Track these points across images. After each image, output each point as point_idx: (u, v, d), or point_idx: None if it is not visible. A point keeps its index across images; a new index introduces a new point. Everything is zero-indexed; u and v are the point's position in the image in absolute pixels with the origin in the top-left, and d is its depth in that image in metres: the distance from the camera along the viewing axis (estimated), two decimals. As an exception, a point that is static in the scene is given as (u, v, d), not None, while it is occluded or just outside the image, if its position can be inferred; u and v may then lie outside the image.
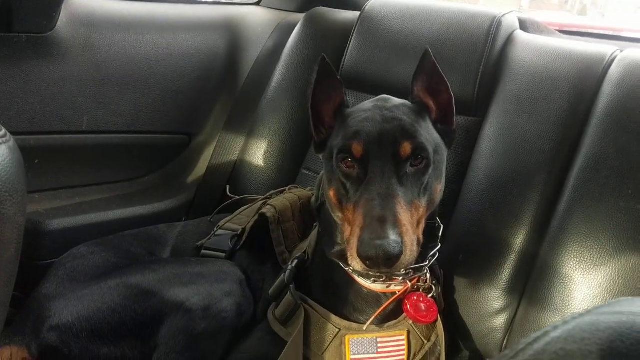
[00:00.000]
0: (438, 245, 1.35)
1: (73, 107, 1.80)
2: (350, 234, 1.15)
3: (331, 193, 1.26)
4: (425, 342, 1.34)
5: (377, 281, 1.30)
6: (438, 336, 1.35)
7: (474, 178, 1.58)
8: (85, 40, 1.81)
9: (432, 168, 1.23)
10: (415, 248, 1.15)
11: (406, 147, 1.19)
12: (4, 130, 0.82)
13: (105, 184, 1.97)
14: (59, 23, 1.73)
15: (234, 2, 2.49)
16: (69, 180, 1.88)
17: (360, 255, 1.09)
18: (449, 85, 1.30)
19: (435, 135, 1.29)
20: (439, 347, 1.36)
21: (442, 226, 1.38)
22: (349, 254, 1.15)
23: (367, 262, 1.09)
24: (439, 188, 1.28)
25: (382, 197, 1.13)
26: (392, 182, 1.16)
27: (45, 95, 1.74)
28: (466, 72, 1.67)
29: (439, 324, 1.35)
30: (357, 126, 1.23)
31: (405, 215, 1.14)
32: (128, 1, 2.04)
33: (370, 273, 1.26)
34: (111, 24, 1.90)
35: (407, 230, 1.12)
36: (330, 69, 1.31)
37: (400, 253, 1.09)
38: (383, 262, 1.08)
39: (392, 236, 1.08)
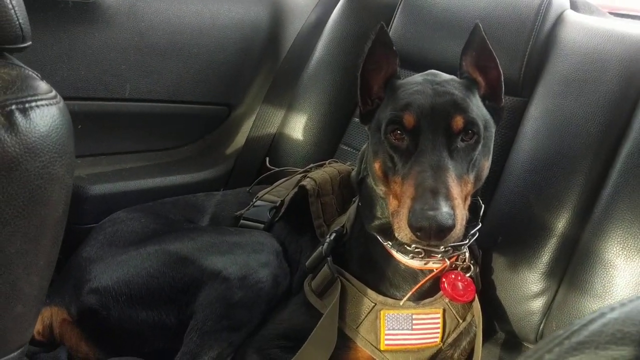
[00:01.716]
0: (479, 224, 1.34)
1: (116, 75, 1.82)
2: (399, 206, 1.14)
3: (376, 165, 1.25)
4: (461, 321, 1.34)
5: (415, 257, 1.29)
6: (474, 316, 1.35)
7: (517, 159, 1.55)
8: (130, 8, 1.82)
9: (481, 144, 1.22)
10: (464, 223, 1.14)
11: (458, 121, 1.18)
12: (54, 92, 0.83)
13: (146, 151, 1.99)
14: (104, -10, 1.74)
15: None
16: (110, 146, 1.91)
17: (411, 226, 1.08)
18: (498, 61, 1.28)
19: (485, 112, 1.28)
20: (474, 328, 1.35)
21: (482, 206, 1.36)
22: (396, 225, 1.15)
23: (418, 233, 1.08)
24: (486, 165, 1.26)
25: (434, 169, 1.12)
26: (443, 155, 1.15)
27: (89, 61, 1.75)
28: (513, 51, 1.63)
29: (476, 304, 1.34)
30: (409, 98, 1.22)
31: (456, 189, 1.13)
32: (173, -30, 2.04)
33: (408, 247, 1.26)
34: (156, -8, 1.90)
35: (458, 203, 1.12)
36: (388, 38, 1.29)
37: (453, 225, 1.08)
38: (435, 234, 1.07)
39: (445, 208, 1.07)
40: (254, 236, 1.48)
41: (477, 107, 1.25)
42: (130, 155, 1.95)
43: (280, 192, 1.64)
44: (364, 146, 1.43)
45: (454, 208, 1.09)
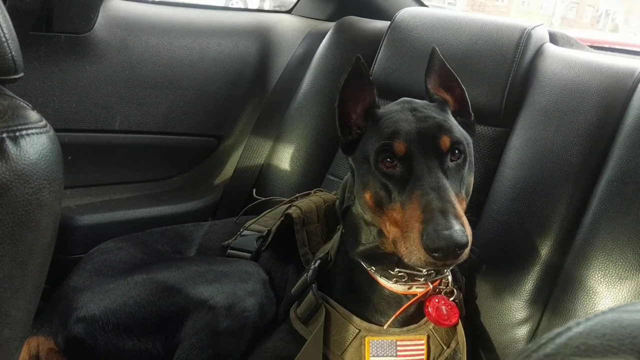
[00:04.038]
0: None
1: (107, 107, 1.85)
2: (406, 231, 1.14)
3: (367, 196, 1.25)
4: (445, 348, 1.34)
5: (398, 282, 1.31)
6: (458, 343, 1.35)
7: (500, 188, 1.58)
8: (121, 42, 1.85)
9: (467, 161, 1.25)
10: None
11: (445, 141, 1.21)
12: (44, 121, 0.85)
13: (135, 182, 2.01)
14: (96, 25, 1.78)
15: (266, 9, 2.52)
16: (99, 177, 1.92)
17: (427, 248, 1.08)
18: (459, 79, 1.34)
19: (462, 129, 1.31)
20: (459, 354, 1.36)
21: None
22: (404, 250, 1.14)
23: (435, 254, 1.08)
24: (472, 180, 1.29)
25: (436, 190, 1.14)
26: (440, 177, 1.17)
27: (80, 94, 1.78)
28: (494, 83, 1.67)
29: (460, 330, 1.35)
30: (394, 126, 1.24)
31: (459, 207, 1.15)
32: (164, 6, 2.09)
33: (392, 272, 1.29)
34: (147, 27, 1.94)
35: (465, 221, 1.13)
36: (364, 69, 1.31)
37: (468, 242, 1.09)
38: (452, 253, 1.08)
39: (457, 226, 1.08)
40: (241, 265, 1.49)
41: (456, 126, 1.29)
42: (119, 186, 1.97)
43: (267, 221, 1.65)
44: (347, 176, 1.45)
45: (464, 225, 1.11)
